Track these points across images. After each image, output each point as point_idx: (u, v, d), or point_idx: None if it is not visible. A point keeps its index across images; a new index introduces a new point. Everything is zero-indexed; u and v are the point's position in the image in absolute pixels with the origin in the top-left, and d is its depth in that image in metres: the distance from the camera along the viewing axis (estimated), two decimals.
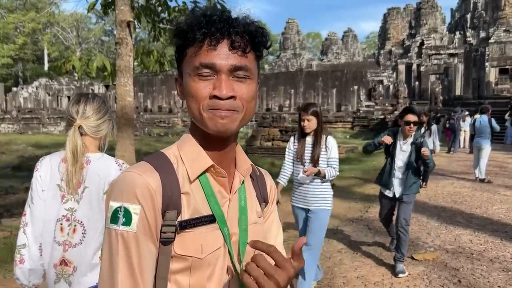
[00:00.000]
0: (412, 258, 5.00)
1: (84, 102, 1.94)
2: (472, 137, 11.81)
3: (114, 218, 0.88)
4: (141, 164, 0.94)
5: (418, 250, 5.31)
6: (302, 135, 3.86)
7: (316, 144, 3.76)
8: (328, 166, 3.78)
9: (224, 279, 0.98)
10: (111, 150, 5.26)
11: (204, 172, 0.97)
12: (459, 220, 6.78)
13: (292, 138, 4.05)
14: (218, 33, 0.89)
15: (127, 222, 0.87)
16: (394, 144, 4.68)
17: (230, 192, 1.01)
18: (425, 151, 4.34)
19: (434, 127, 8.90)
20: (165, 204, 0.90)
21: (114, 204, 0.89)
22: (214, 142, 0.97)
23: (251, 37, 0.93)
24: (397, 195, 4.70)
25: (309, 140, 3.82)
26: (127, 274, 0.87)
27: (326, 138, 3.80)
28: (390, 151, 4.73)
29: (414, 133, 4.62)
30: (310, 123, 3.72)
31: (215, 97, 0.90)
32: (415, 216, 7.02)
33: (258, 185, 1.13)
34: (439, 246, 5.47)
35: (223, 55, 0.90)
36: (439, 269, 4.68)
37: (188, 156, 0.97)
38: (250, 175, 1.11)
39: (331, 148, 3.79)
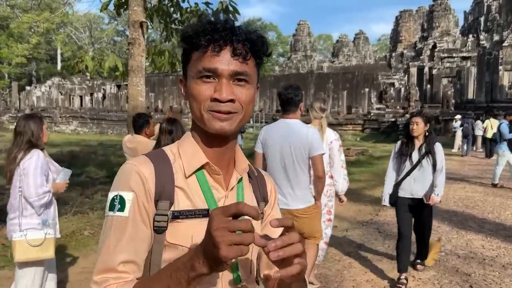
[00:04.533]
0: (422, 264, 4.93)
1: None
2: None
3: (111, 206, 0.98)
4: (139, 157, 1.05)
5: None
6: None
7: None
8: None
9: (218, 273, 1.00)
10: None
11: (200, 169, 1.04)
12: (470, 225, 6.70)
13: None
14: (221, 40, 0.96)
15: (122, 209, 0.96)
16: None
17: (227, 189, 1.06)
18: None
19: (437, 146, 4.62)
20: (157, 193, 0.98)
21: (111, 194, 0.99)
22: (213, 140, 1.03)
23: (252, 45, 0.99)
24: None
25: None
26: (116, 246, 0.95)
27: None
28: None
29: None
30: None
31: (216, 99, 0.96)
32: None
33: (257, 184, 1.18)
34: (450, 251, 5.41)
35: (225, 61, 0.96)
36: (450, 274, 4.62)
37: (186, 153, 1.05)
38: (249, 175, 1.16)
39: None
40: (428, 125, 4.39)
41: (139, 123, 4.58)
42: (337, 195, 4.48)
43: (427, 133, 4.40)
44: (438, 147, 4.43)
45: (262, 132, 3.83)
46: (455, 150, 18.91)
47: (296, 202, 3.53)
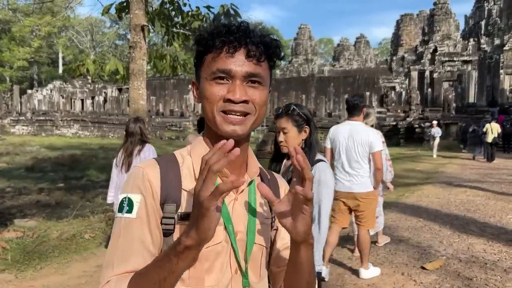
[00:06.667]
0: (423, 268, 4.93)
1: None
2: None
3: (120, 208, 1.00)
4: (147, 160, 1.08)
5: (430, 259, 5.23)
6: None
7: None
8: None
9: (226, 275, 1.02)
10: None
11: None
12: (472, 229, 6.68)
13: None
14: (236, 42, 0.97)
15: (130, 210, 0.98)
16: None
17: (237, 192, 1.05)
18: None
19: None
20: (163, 197, 0.99)
21: (121, 196, 1.01)
22: None
23: (265, 48, 1.00)
24: None
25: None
26: (122, 249, 0.96)
27: None
28: None
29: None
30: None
31: (229, 100, 0.96)
32: (427, 224, 6.94)
33: (270, 187, 1.15)
34: (452, 255, 5.39)
35: (239, 62, 0.97)
36: (452, 279, 4.60)
37: (196, 155, 1.04)
38: (261, 178, 1.15)
39: None
40: (306, 129, 2.49)
41: (202, 123, 5.32)
42: (383, 183, 5.20)
43: (303, 145, 2.49)
44: (322, 172, 2.49)
45: (331, 131, 4.48)
46: (435, 156, 18.83)
47: (358, 187, 4.33)
